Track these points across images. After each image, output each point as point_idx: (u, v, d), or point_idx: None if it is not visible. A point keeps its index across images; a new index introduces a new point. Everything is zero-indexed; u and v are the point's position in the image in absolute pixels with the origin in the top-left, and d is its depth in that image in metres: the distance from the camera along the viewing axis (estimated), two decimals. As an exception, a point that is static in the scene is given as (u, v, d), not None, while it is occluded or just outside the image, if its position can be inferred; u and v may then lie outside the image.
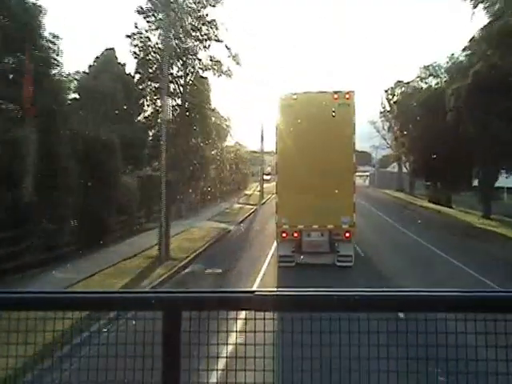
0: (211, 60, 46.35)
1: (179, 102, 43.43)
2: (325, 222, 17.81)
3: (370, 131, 74.55)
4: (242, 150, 67.44)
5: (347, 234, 17.77)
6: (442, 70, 53.32)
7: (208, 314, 2.01)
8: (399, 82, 69.94)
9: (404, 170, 72.77)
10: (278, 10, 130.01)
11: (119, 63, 39.23)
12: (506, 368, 1.96)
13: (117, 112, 34.01)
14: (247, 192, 62.98)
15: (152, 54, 42.08)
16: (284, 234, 18.01)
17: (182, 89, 43.11)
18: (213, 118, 46.30)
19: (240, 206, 47.87)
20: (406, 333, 2.06)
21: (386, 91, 72.73)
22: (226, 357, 2.12)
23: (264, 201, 52.48)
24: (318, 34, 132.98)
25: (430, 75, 57.53)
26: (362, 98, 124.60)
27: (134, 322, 2.08)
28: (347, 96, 17.96)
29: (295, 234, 17.95)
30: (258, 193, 57.19)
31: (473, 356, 2.03)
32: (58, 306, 2.04)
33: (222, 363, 2.18)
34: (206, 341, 2.08)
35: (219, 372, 2.18)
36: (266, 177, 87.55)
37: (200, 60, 45.87)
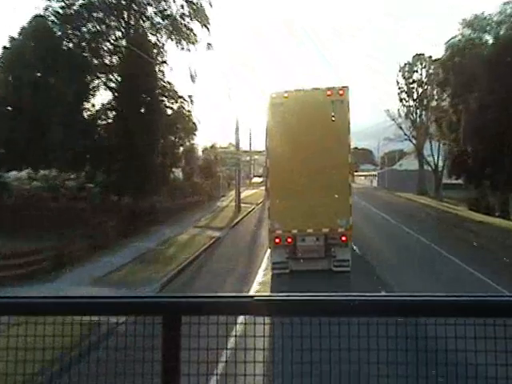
0: (164, 18, 32.57)
1: (119, 79, 30.63)
2: (320, 226, 17.02)
3: (384, 120, 63.50)
4: (217, 149, 55.40)
5: (344, 238, 17.01)
6: (493, 24, 39.74)
7: (208, 318, 2.01)
8: (419, 55, 58.77)
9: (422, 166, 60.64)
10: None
11: (54, 33, 29.48)
12: (505, 373, 1.98)
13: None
14: (221, 203, 46.81)
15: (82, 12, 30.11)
16: (277, 240, 17.21)
17: (121, 60, 30.38)
18: (165, 99, 34.46)
19: (196, 230, 28.48)
20: (406, 338, 2.07)
21: (403, 68, 60.29)
22: (226, 361, 2.12)
23: (239, 219, 35.52)
24: (315, 20, 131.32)
25: (478, 30, 40.39)
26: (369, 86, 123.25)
27: (133, 327, 2.08)
28: (341, 92, 17.06)
29: (289, 240, 17.15)
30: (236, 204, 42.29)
31: (472, 361, 2.05)
32: (58, 311, 2.03)
33: (221, 368, 2.18)
34: (206, 345, 2.08)
35: (219, 377, 2.18)
36: (256, 179, 77.72)
37: (149, 19, 32.33)
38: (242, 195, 52.09)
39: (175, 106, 36.22)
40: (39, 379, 2.29)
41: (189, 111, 37.17)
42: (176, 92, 35.37)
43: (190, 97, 36.42)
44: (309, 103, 17.10)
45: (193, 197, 42.04)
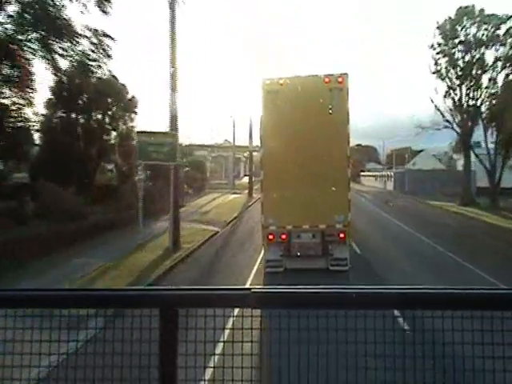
0: None
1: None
2: (316, 222, 16.09)
3: (387, 120, 55.53)
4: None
5: (341, 235, 16.04)
6: None
7: (205, 311, 2.03)
8: (466, 7, 43.16)
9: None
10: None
11: None
12: (502, 365, 1.96)
13: None
14: (164, 224, 26.04)
15: None
16: (271, 236, 16.22)
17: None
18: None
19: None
20: (403, 330, 2.04)
21: (442, 25, 44.17)
22: (223, 354, 2.13)
23: (156, 277, 16.57)
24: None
25: None
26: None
27: (130, 320, 2.11)
28: (340, 79, 15.97)
29: (283, 236, 16.15)
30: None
31: (469, 353, 2.01)
32: (54, 304, 2.08)
33: (218, 360, 2.20)
34: (203, 338, 2.09)
35: (216, 369, 2.19)
36: (247, 179, 67.14)
37: None
38: (213, 204, 38.74)
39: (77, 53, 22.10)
40: (36, 372, 2.35)
41: (105, 71, 23.18)
42: (69, 25, 21.11)
43: (98, 39, 22.27)
44: (305, 91, 16.03)
45: (122, 210, 25.78)
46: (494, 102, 42.01)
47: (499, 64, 42.75)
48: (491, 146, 43.46)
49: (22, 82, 21.35)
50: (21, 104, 21.82)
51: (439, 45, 44.73)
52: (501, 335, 1.97)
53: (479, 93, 44.29)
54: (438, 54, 44.73)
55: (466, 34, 43.42)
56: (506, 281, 15.43)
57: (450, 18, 44.09)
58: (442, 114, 45.53)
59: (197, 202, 34.39)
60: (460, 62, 44.37)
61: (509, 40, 39.06)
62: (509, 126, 35.04)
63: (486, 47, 42.89)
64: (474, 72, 43.88)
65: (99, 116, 25.59)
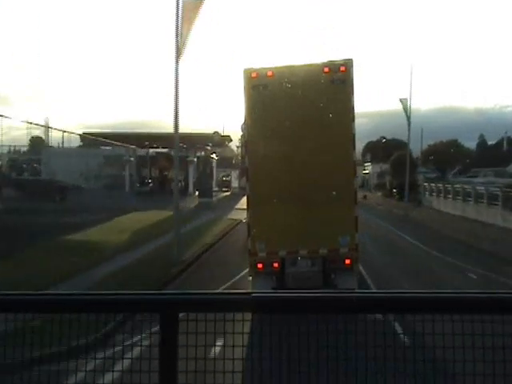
0: None
1: None
2: (316, 246, 13.15)
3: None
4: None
5: (347, 261, 13.11)
6: None
7: (205, 315, 2.02)
8: None
9: None
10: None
11: None
12: (502, 369, 1.97)
13: None
14: None
15: None
16: (260, 265, 13.21)
17: None
18: None
19: None
20: (404, 334, 2.06)
21: None
22: (224, 359, 2.12)
23: None
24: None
25: None
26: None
27: (130, 324, 2.10)
28: (342, 68, 13.15)
29: (275, 264, 13.10)
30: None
31: (470, 357, 2.03)
32: (54, 308, 2.06)
33: (219, 365, 2.19)
34: (204, 342, 2.09)
35: (216, 374, 2.19)
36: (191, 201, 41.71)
37: None
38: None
39: None
40: (36, 374, 2.33)
41: None
42: None
43: None
44: (300, 84, 13.29)
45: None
46: None
47: None
48: None
49: None
50: None
51: None
52: (501, 339, 1.99)
53: None
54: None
55: None
56: None
57: None
58: None
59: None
60: None
61: None
62: None
63: None
64: None
65: None
